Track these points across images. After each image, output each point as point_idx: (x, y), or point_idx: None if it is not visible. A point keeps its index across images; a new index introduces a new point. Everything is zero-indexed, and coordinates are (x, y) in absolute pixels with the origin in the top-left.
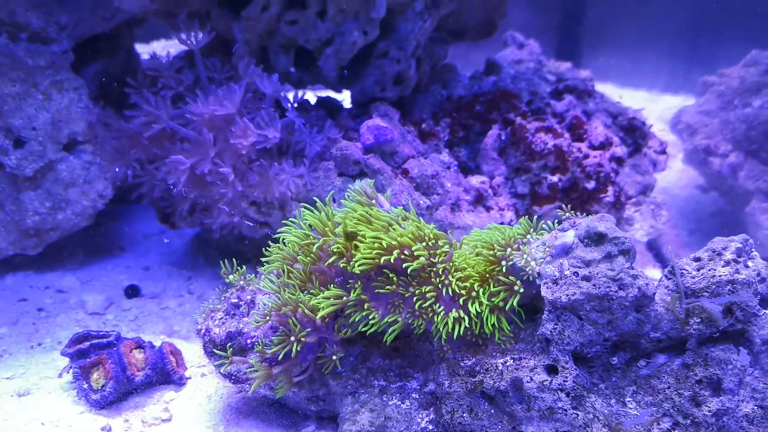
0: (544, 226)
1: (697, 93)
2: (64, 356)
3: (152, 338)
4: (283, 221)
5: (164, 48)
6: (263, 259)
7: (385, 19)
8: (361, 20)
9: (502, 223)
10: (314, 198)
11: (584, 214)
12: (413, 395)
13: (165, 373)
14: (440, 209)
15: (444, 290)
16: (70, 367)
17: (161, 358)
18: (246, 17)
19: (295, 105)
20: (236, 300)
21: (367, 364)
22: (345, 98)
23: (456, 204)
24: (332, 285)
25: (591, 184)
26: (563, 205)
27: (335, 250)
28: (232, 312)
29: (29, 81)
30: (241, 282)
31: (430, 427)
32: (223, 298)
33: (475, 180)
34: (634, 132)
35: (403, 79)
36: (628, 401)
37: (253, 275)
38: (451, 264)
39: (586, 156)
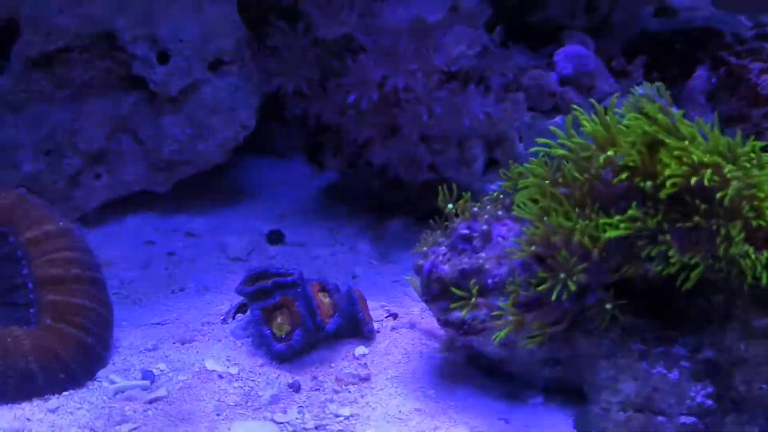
0: None
1: None
2: (241, 295)
3: None
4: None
5: None
6: (504, 179)
7: None
8: None
9: None
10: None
11: None
12: (682, 362)
13: (355, 322)
14: None
15: (757, 224)
16: (237, 306)
17: (352, 304)
18: None
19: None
20: (467, 232)
21: (619, 322)
22: None
23: None
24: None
25: None
26: None
27: (630, 163)
28: (461, 247)
29: None
30: (475, 208)
31: (708, 402)
32: (443, 230)
33: None
34: None
35: (595, 6)
36: None
37: (478, 203)
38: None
39: None
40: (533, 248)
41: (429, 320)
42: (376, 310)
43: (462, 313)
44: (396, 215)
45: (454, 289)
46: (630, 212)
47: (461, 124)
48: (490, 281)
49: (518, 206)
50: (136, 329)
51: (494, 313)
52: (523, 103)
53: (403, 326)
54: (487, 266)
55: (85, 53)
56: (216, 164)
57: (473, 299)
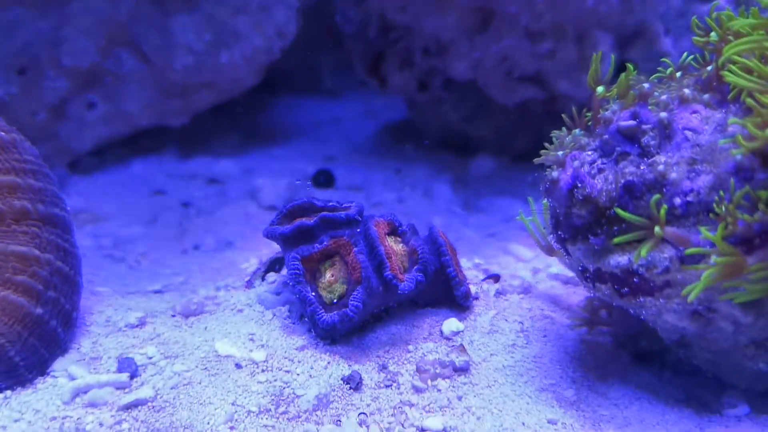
0: None
1: None
2: (271, 238)
3: None
4: None
5: None
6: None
7: None
8: None
9: None
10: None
11: None
12: None
13: (444, 280)
14: None
15: None
16: (268, 262)
17: (438, 253)
18: None
19: None
20: (631, 123)
21: None
22: None
23: None
24: None
25: None
26: None
27: None
28: (621, 149)
29: None
30: (646, 85)
31: None
32: (586, 128)
33: None
34: None
35: None
36: None
37: (643, 83)
38: None
39: None
40: (757, 143)
41: (549, 283)
42: (469, 270)
43: (637, 254)
44: (483, 153)
45: (622, 212)
46: None
47: (584, 3)
48: (678, 201)
49: (728, 71)
50: (119, 298)
51: (689, 251)
52: None
53: (513, 291)
54: (672, 175)
55: None
56: (246, 89)
57: (657, 229)
